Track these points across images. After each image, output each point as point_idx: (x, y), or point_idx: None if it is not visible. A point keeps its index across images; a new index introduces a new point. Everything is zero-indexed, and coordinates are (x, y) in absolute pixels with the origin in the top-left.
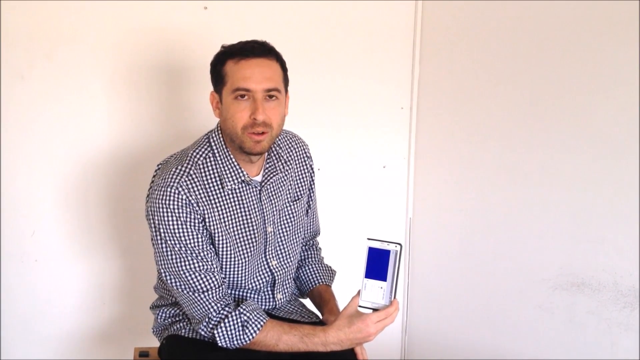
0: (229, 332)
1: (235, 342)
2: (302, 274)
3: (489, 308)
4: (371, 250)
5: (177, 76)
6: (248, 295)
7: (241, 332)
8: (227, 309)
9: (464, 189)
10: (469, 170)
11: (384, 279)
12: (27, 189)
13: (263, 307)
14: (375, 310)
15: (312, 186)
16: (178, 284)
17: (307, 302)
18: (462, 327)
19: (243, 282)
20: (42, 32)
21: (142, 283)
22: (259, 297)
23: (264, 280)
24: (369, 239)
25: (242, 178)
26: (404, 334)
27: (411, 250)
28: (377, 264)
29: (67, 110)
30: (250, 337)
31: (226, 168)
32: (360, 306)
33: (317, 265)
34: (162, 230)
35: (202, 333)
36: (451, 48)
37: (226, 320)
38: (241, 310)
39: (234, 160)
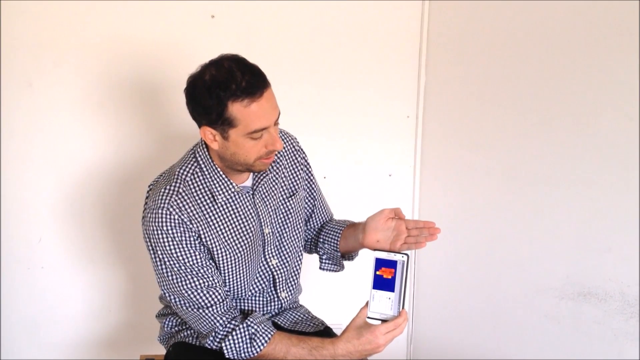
0: (237, 345)
1: (243, 355)
2: (324, 236)
3: (495, 317)
4: (378, 261)
5: (184, 84)
6: (252, 299)
7: (249, 345)
8: (233, 322)
9: (470, 197)
10: (475, 178)
11: (391, 289)
12: (33, 196)
13: (269, 308)
14: (383, 321)
15: (311, 176)
16: (182, 302)
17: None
18: (468, 336)
19: (244, 286)
20: (50, 40)
21: (148, 291)
22: (263, 299)
23: (264, 280)
24: (375, 249)
25: (234, 189)
26: (409, 342)
27: (417, 259)
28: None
29: (74, 118)
30: (258, 349)
31: (215, 182)
32: (368, 317)
33: (333, 221)
34: (159, 252)
35: (209, 347)
36: (457, 56)
37: (234, 333)
38: (249, 322)
39: (222, 173)
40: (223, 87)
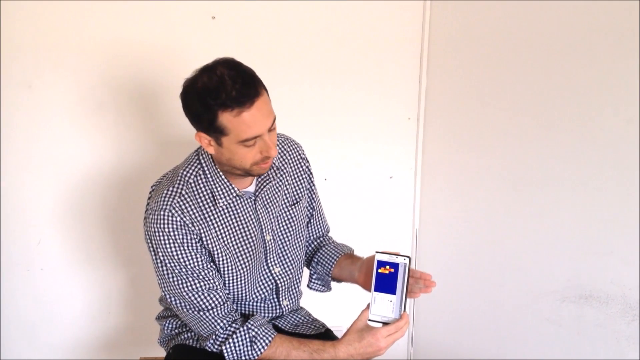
0: (237, 348)
1: (244, 358)
2: (319, 257)
3: (496, 320)
4: (380, 264)
5: None
6: (253, 305)
7: (249, 348)
8: (234, 325)
9: (471, 199)
10: (476, 181)
11: (393, 292)
12: (33, 198)
13: (270, 314)
14: (385, 324)
15: (312, 186)
16: (182, 304)
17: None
18: (468, 338)
19: (246, 293)
20: (49, 42)
21: (148, 293)
22: (265, 306)
23: (267, 288)
24: (377, 252)
25: (235, 193)
26: (409, 345)
27: (417, 262)
28: (386, 277)
29: (73, 119)
30: (259, 352)
31: (217, 185)
32: (370, 320)
33: (332, 245)
34: (160, 254)
35: (209, 350)
36: (458, 58)
37: (234, 336)
38: (249, 325)
39: (223, 177)
40: (213, 96)
